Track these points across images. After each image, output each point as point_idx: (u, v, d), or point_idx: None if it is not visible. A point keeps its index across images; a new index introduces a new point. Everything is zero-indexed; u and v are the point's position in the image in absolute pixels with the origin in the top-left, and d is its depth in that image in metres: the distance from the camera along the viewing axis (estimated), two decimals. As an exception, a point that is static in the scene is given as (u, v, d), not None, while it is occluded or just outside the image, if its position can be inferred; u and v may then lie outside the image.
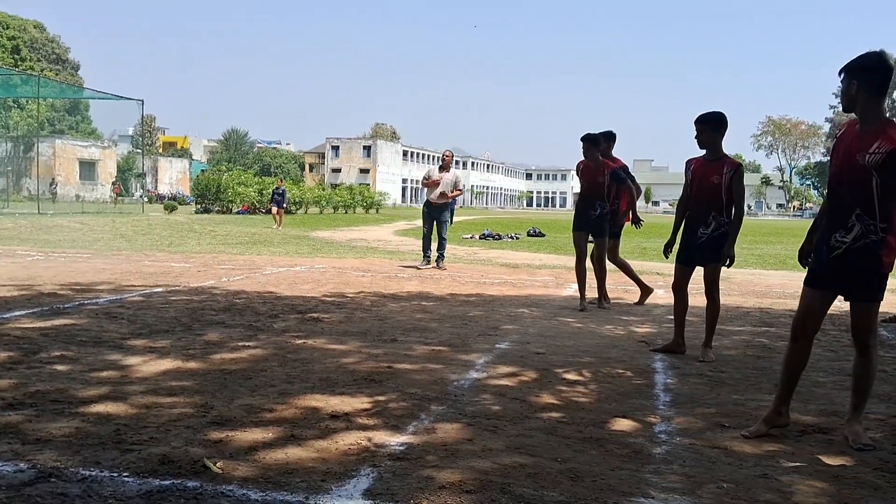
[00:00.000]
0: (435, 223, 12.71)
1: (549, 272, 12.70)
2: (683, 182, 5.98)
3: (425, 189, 13.01)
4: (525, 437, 3.67)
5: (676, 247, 6.04)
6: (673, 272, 6.13)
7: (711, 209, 5.73)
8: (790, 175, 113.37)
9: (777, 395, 3.95)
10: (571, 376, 5.04)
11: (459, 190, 13.11)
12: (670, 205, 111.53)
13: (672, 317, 6.18)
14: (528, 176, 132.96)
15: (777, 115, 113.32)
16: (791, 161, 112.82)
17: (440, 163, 12.92)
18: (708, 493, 3.03)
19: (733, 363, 5.68)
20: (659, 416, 4.18)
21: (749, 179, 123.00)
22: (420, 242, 13.27)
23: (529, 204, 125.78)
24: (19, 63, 61.25)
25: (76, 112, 70.04)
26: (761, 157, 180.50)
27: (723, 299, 9.46)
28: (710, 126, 5.71)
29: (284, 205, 27.61)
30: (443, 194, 12.67)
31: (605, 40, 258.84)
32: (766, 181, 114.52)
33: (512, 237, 22.71)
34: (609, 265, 8.51)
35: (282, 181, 31.36)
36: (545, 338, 6.45)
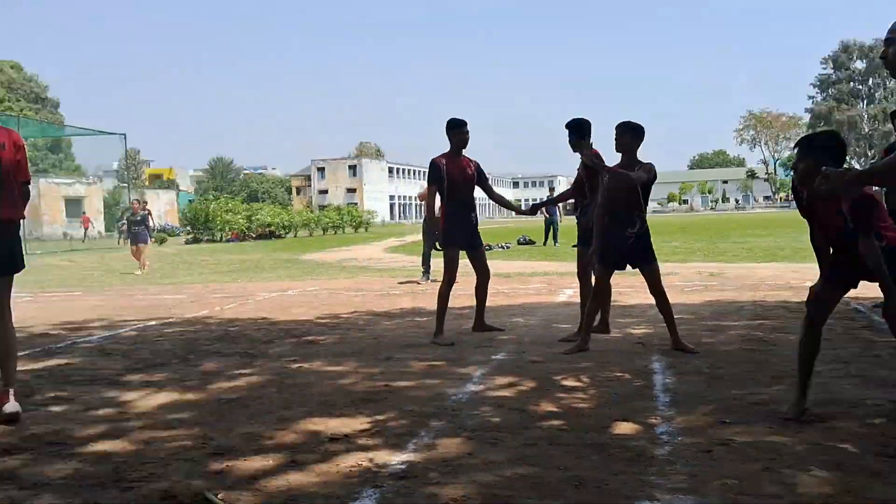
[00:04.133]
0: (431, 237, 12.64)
1: (542, 279, 12.71)
2: None
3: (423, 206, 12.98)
4: (526, 447, 3.66)
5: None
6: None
7: None
8: (774, 167, 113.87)
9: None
10: (570, 382, 5.04)
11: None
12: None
13: (661, 316, 6.17)
14: (515, 184, 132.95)
15: (758, 108, 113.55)
16: (774, 153, 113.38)
17: None
18: (713, 491, 3.03)
19: (730, 358, 5.68)
20: (660, 416, 4.17)
21: (734, 174, 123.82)
22: (419, 259, 13.36)
23: (519, 212, 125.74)
24: (-2, 104, 61.17)
25: (58, 150, 69.83)
26: (745, 151, 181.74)
27: (717, 294, 9.55)
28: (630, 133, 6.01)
29: (150, 239, 18.70)
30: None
31: (592, 42, 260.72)
32: (752, 174, 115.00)
33: (502, 247, 22.70)
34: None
35: (138, 203, 19.57)
36: (541, 346, 6.44)
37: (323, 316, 8.72)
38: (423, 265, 13.08)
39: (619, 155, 6.08)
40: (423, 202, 12.73)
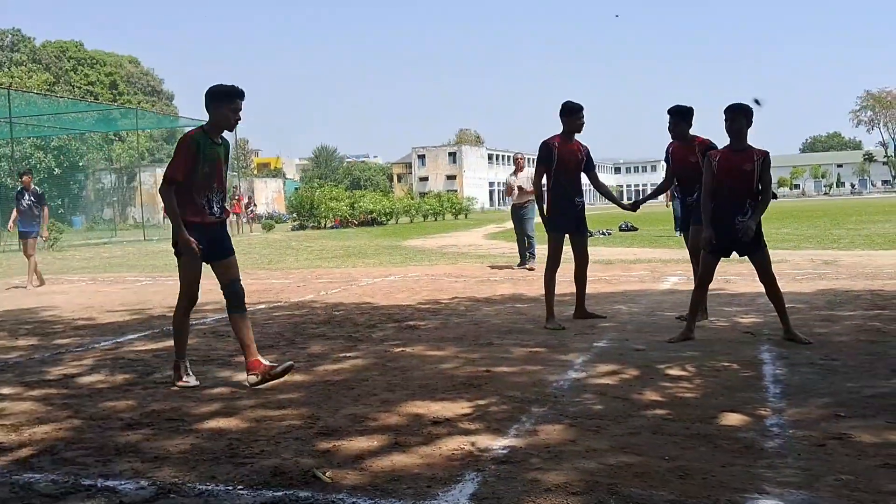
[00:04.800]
0: (521, 222, 13.13)
1: (645, 266, 12.47)
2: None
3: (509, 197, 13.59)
4: (630, 436, 3.61)
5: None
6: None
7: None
8: (895, 150, 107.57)
9: None
10: (675, 372, 4.94)
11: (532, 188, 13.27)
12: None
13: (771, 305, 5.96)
14: (617, 170, 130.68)
15: (876, 87, 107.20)
16: (894, 135, 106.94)
17: (514, 167, 13.66)
18: (826, 487, 2.92)
19: (846, 349, 5.44)
20: (770, 408, 4.05)
21: (850, 157, 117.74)
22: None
23: (619, 198, 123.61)
24: (117, 97, 64.39)
25: (173, 140, 72.73)
26: (861, 133, 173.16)
27: (831, 283, 9.14)
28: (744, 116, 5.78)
29: (36, 233, 12.58)
30: (521, 192, 13.09)
31: (698, 23, 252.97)
32: (869, 158, 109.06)
33: (603, 233, 22.37)
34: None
35: (27, 176, 12.93)
36: (644, 334, 6.33)
37: (424, 301, 8.83)
38: (527, 251, 13.20)
39: (729, 138, 5.86)
40: (511, 194, 13.12)
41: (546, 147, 6.85)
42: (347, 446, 3.57)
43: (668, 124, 6.79)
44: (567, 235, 7.03)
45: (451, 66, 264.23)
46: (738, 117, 5.74)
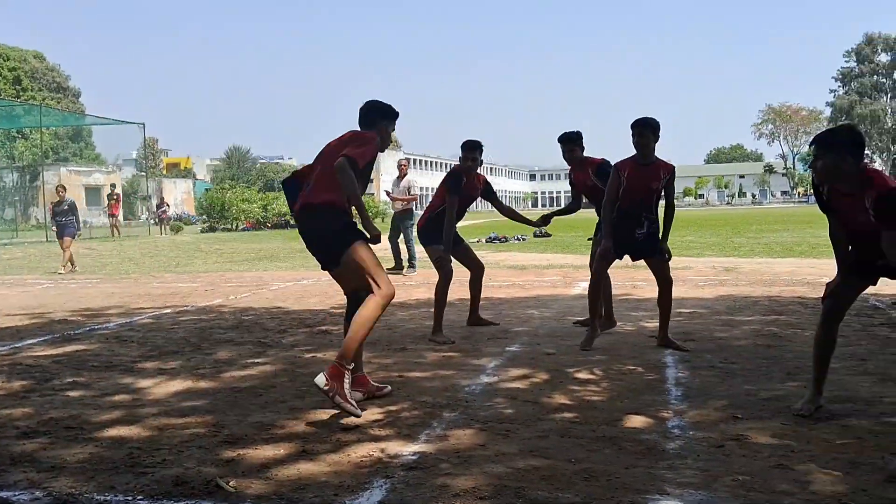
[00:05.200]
0: (400, 230, 13.27)
1: (557, 272, 12.68)
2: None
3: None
4: (538, 439, 3.66)
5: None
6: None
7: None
8: (793, 162, 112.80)
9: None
10: (583, 375, 5.03)
11: (411, 195, 13.35)
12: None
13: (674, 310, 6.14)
14: (532, 177, 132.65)
15: (777, 102, 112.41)
16: (793, 148, 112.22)
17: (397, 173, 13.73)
18: (724, 487, 3.02)
19: (744, 353, 5.65)
20: (672, 410, 4.17)
21: (752, 168, 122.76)
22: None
23: (535, 205, 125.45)
24: (21, 94, 61.64)
25: (79, 139, 70.25)
26: (763, 146, 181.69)
27: (731, 289, 9.50)
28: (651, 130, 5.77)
29: (77, 232, 15.67)
30: (400, 201, 13.30)
31: (608, 35, 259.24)
32: (770, 169, 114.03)
33: (518, 239, 22.66)
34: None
35: (63, 189, 16.13)
36: (555, 338, 6.43)
37: (337, 306, 8.74)
38: (409, 259, 13.21)
39: (636, 151, 5.82)
40: (397, 202, 13.05)
41: (458, 177, 6.56)
42: (253, 455, 3.50)
43: (562, 154, 6.75)
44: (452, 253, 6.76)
45: (368, 67, 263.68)
46: (645, 132, 5.73)
